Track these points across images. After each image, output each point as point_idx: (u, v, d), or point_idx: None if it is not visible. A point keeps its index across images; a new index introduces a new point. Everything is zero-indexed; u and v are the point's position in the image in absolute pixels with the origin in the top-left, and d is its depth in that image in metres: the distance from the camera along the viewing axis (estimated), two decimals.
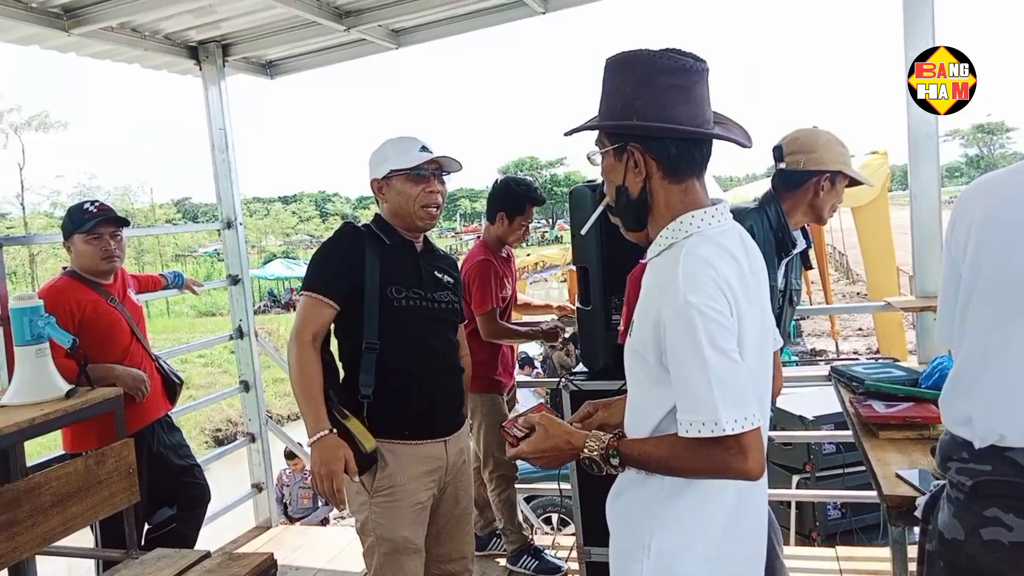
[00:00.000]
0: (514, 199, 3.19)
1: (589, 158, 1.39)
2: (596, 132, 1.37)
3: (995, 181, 1.40)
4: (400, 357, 2.09)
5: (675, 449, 1.24)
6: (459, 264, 2.64)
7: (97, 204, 2.88)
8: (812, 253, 2.51)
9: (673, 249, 1.29)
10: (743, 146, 1.34)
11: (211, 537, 3.39)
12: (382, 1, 3.37)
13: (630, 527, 1.37)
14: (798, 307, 2.56)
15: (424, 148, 2.14)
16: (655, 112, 1.27)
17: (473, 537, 2.43)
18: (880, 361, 2.84)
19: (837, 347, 12.24)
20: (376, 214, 2.25)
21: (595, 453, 1.33)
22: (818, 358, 12.50)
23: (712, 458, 1.21)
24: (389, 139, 2.21)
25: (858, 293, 18.57)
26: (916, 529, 1.60)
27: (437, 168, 2.17)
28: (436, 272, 2.23)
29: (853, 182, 2.28)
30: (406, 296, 2.11)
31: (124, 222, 2.91)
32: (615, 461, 1.31)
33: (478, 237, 3.44)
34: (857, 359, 4.41)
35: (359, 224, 2.23)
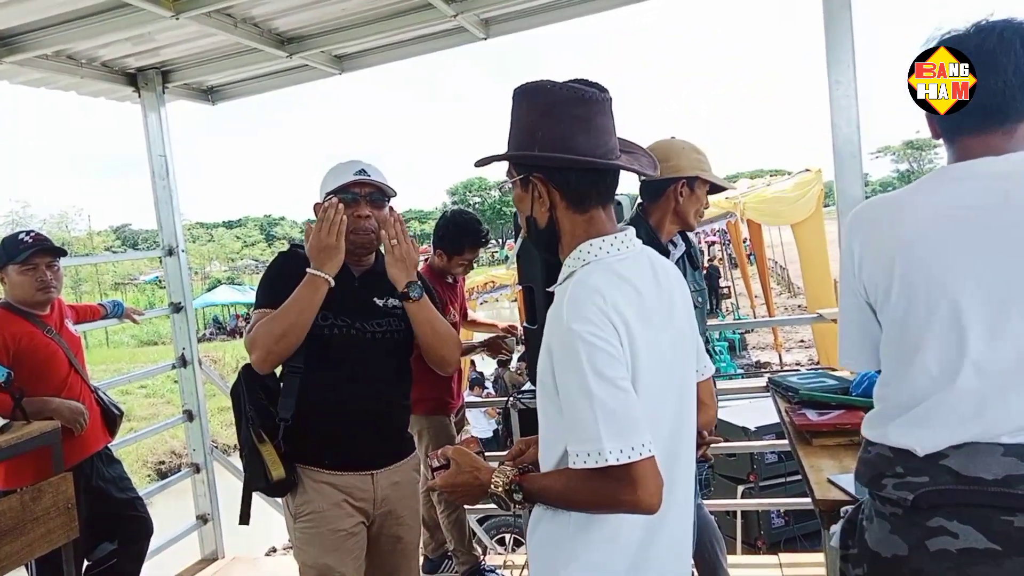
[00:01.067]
0: (450, 239, 3.16)
1: (500, 188, 1.41)
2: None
3: (893, 206, 1.36)
4: (324, 385, 2.01)
5: (570, 482, 1.21)
6: None
7: (32, 234, 2.83)
8: (741, 254, 2.61)
9: (572, 277, 1.28)
10: (648, 176, 1.35)
11: (155, 572, 3.30)
12: (324, 28, 3.38)
13: (544, 559, 1.34)
14: (742, 320, 2.64)
15: (362, 171, 2.07)
16: (555, 143, 1.27)
17: (419, 571, 2.38)
18: (814, 371, 2.95)
19: (781, 359, 12.57)
20: None
21: (499, 489, 1.29)
22: (762, 370, 12.80)
23: (601, 490, 1.17)
24: (337, 164, 2.16)
25: (799, 306, 19.07)
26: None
27: (372, 192, 2.07)
28: (377, 299, 2.12)
29: (715, 188, 2.39)
30: (332, 323, 2.02)
31: (61, 252, 2.88)
32: (518, 497, 1.28)
33: (425, 260, 3.43)
34: (798, 371, 4.56)
35: (300, 248, 2.14)
